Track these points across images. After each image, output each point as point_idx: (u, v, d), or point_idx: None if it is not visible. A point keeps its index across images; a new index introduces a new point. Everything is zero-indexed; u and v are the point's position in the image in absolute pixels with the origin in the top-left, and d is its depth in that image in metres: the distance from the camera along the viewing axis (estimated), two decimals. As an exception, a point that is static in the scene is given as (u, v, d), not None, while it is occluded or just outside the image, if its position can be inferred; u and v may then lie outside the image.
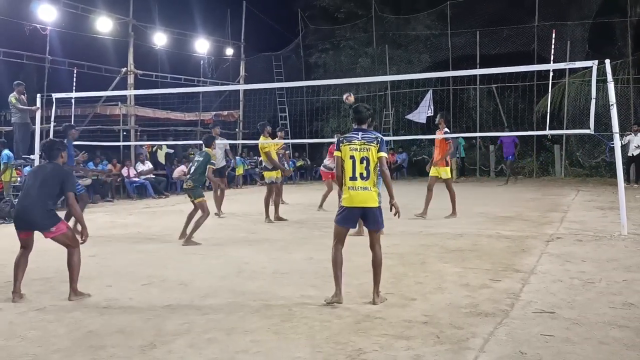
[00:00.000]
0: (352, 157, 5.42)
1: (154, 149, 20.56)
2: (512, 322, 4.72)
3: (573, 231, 9.50)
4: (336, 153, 5.58)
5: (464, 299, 5.43)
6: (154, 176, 18.69)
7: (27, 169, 13.81)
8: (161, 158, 20.80)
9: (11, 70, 18.27)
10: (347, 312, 5.08)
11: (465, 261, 7.24)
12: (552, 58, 12.29)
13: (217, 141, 12.09)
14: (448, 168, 11.80)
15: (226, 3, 27.10)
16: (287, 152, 12.45)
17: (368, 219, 5.48)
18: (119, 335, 4.59)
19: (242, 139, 24.57)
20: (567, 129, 20.22)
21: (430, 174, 11.77)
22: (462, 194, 13.70)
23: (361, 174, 5.39)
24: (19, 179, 13.51)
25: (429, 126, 23.33)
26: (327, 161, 12.81)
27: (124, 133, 19.89)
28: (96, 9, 19.53)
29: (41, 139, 13.40)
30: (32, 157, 13.33)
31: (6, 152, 13.63)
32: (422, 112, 23.90)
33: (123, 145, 19.24)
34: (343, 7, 27.83)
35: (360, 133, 5.51)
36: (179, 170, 19.78)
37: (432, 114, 23.68)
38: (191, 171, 9.56)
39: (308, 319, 4.88)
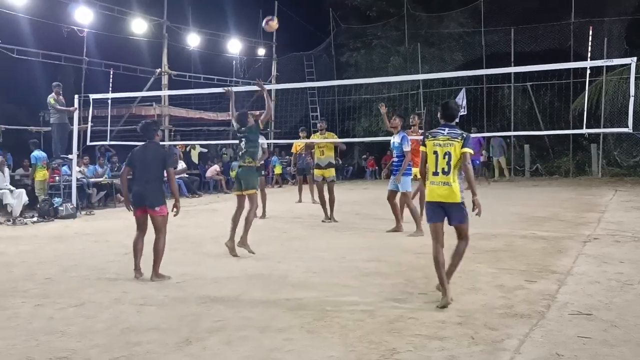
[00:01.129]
0: (435, 152, 5.43)
1: (188, 148, 20.77)
2: (548, 324, 4.66)
3: (610, 232, 9.33)
4: (422, 148, 5.66)
5: (499, 300, 5.38)
6: (187, 176, 18.89)
7: (65, 168, 14.09)
8: (194, 158, 21.01)
9: (49, 71, 18.64)
10: (381, 311, 5.07)
11: (499, 262, 7.17)
12: (589, 55, 12.08)
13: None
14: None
15: (258, 3, 27.22)
16: (313, 150, 12.30)
17: (450, 214, 5.45)
18: (155, 331, 4.65)
19: (274, 138, 24.66)
20: (604, 127, 19.85)
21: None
22: (496, 193, 13.58)
23: (443, 169, 5.36)
24: (57, 178, 13.77)
25: (462, 125, 23.12)
26: None
27: (158, 133, 20.12)
28: (131, 11, 19.81)
29: (79, 139, 13.66)
30: (70, 156, 13.57)
31: (35, 153, 13.90)
32: (456, 111, 23.66)
33: (157, 145, 19.47)
34: (375, 6, 27.73)
35: (446, 129, 5.49)
36: (212, 169, 19.99)
37: (465, 113, 23.49)
38: (243, 148, 8.37)
39: (341, 318, 4.89)
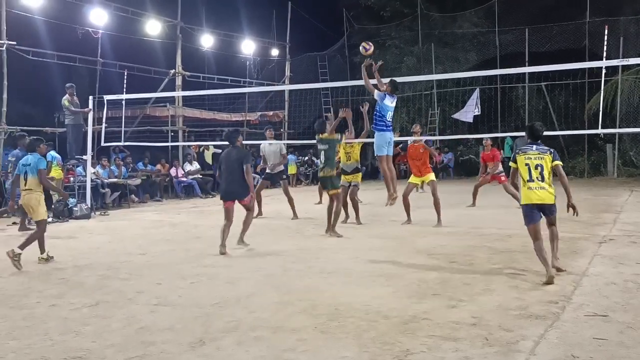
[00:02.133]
0: (527, 164, 6.51)
1: (201, 149, 20.85)
2: (563, 325, 4.62)
3: (627, 232, 9.24)
4: (512, 164, 6.77)
5: (514, 301, 5.34)
6: (201, 176, 18.97)
7: (80, 169, 14.18)
8: (208, 158, 21.08)
9: (64, 72, 18.77)
10: (394, 312, 5.05)
11: (514, 262, 7.13)
12: (604, 55, 11.98)
13: (271, 142, 12.36)
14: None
15: (272, 4, 27.28)
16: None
17: (545, 211, 6.55)
18: (169, 331, 4.66)
19: (287, 139, 24.69)
20: (620, 127, 19.68)
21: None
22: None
23: (537, 177, 6.45)
24: (71, 178, 13.86)
25: (476, 125, 23.05)
26: None
27: (172, 134, 20.21)
28: (145, 12, 19.91)
29: (93, 139, 13.76)
30: (84, 157, 13.66)
31: (52, 152, 14.00)
32: (469, 112, 23.59)
33: (171, 146, 19.57)
34: (388, 6, 27.68)
35: (534, 146, 6.63)
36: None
37: (479, 113, 23.38)
38: (323, 162, 9.88)
39: (355, 319, 4.87)
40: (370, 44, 9.53)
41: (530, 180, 6.46)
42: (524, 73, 22.94)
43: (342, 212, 10.64)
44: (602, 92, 12.87)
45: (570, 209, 6.65)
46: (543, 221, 6.64)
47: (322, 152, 9.87)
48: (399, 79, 10.09)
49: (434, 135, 23.37)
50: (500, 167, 13.20)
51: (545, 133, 19.53)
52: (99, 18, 17.94)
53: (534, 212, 6.48)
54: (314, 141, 11.75)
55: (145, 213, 13.74)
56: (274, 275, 6.66)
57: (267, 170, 12.89)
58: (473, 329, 4.56)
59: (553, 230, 6.76)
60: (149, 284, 6.33)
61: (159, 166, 18.67)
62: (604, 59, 12.08)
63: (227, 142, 8.76)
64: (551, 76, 21.24)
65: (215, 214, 13.05)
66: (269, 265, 7.25)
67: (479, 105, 23.30)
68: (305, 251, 8.23)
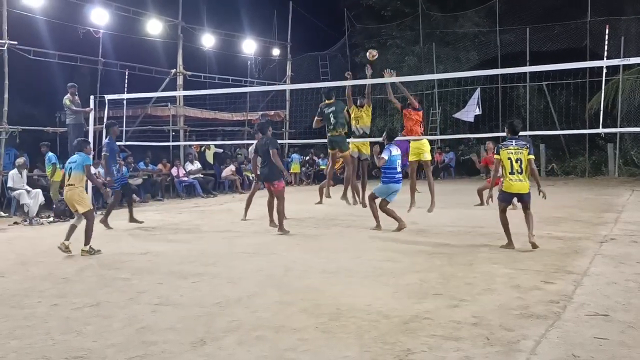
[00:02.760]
0: (509, 158, 7.88)
1: (203, 149, 20.86)
2: (564, 325, 4.62)
3: (628, 232, 9.25)
4: (496, 156, 8.14)
5: (515, 301, 5.34)
6: (202, 176, 18.98)
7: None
8: (209, 158, 21.10)
9: (66, 72, 18.79)
10: (396, 312, 5.05)
11: (515, 262, 7.13)
12: (605, 54, 11.98)
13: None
14: None
15: (273, 4, 27.29)
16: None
17: (522, 199, 8.07)
18: (170, 331, 4.67)
19: (289, 138, 24.70)
20: (621, 127, 19.69)
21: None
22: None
23: (517, 170, 7.86)
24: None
25: (477, 125, 23.05)
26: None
27: (173, 133, 20.22)
28: (146, 12, 19.91)
29: (94, 139, 13.76)
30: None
31: (51, 154, 14.01)
32: (470, 111, 23.61)
33: (172, 146, 19.58)
34: (389, 6, 27.70)
35: (514, 141, 8.03)
36: (228, 170, 20.04)
37: (480, 113, 23.38)
38: (332, 122, 11.02)
39: (356, 318, 4.88)
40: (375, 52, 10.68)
41: (512, 172, 7.88)
42: (525, 72, 22.95)
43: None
44: (603, 91, 12.89)
45: (541, 193, 8.00)
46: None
47: (331, 114, 11.03)
48: (400, 79, 10.49)
49: (435, 134, 23.37)
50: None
51: (547, 133, 19.59)
52: (100, 18, 17.94)
53: (510, 197, 8.12)
54: (315, 141, 11.81)
55: (147, 213, 13.74)
56: (275, 275, 6.66)
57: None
58: (474, 329, 4.56)
59: (528, 214, 8.05)
60: (150, 283, 6.33)
61: (160, 166, 18.67)
62: (605, 58, 12.09)
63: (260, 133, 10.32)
64: (552, 76, 21.27)
65: (217, 214, 13.07)
66: (270, 265, 7.26)
67: (480, 105, 23.30)
68: (307, 251, 8.24)
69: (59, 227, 11.58)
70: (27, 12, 15.94)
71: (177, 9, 20.71)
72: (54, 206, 12.96)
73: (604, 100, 12.91)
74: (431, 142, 20.31)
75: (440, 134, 23.86)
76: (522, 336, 4.36)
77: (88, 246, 8.12)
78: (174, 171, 18.44)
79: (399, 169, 9.87)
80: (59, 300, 5.69)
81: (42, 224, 11.96)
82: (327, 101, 11.15)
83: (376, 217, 10.11)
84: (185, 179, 18.39)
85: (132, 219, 11.32)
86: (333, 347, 4.24)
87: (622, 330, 4.46)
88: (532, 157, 7.92)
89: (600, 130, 13.47)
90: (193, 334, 4.57)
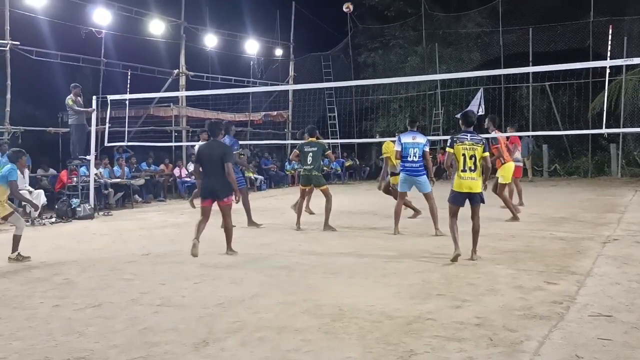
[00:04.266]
0: (463, 154, 7.22)
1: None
2: (567, 325, 4.61)
3: (631, 232, 9.22)
4: (449, 149, 7.41)
5: (518, 301, 5.33)
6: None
7: (83, 169, 14.20)
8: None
9: (68, 72, 18.80)
10: (398, 312, 5.04)
11: (518, 263, 7.11)
12: (608, 54, 11.95)
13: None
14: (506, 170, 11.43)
15: (275, 4, 27.27)
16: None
17: (473, 199, 7.29)
18: (173, 332, 4.66)
19: (291, 139, 24.69)
20: (624, 127, 19.65)
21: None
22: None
23: (470, 167, 7.21)
24: (74, 178, 13.88)
25: (480, 125, 23.00)
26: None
27: (176, 134, 20.22)
28: (149, 12, 19.92)
29: (96, 139, 13.76)
30: (88, 157, 13.68)
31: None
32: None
33: (175, 146, 19.58)
34: (392, 6, 27.67)
35: (469, 135, 7.33)
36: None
37: (483, 113, 23.34)
38: (309, 162, 10.43)
39: (358, 319, 4.87)
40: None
41: (464, 170, 7.24)
42: (528, 73, 22.93)
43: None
44: (606, 91, 12.83)
45: (485, 185, 7.49)
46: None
47: (310, 155, 10.43)
48: (404, 79, 10.38)
49: (438, 135, 23.35)
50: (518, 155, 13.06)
51: (550, 133, 19.51)
52: (102, 18, 17.94)
53: (461, 197, 7.32)
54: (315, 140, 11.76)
55: (149, 213, 13.74)
56: (278, 276, 6.65)
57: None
58: (477, 330, 4.55)
59: (475, 223, 7.33)
60: (152, 284, 6.32)
61: (162, 166, 18.67)
62: (608, 58, 12.05)
63: (208, 134, 8.43)
64: (555, 76, 21.23)
65: (219, 213, 13.05)
66: (273, 266, 7.25)
67: (483, 105, 23.26)
68: (309, 252, 8.22)
69: (60, 227, 11.60)
70: (30, 12, 15.95)
71: (179, 9, 20.71)
72: (56, 206, 12.94)
73: (607, 101, 12.88)
74: (434, 142, 20.33)
75: (443, 135, 23.81)
76: (526, 337, 4.35)
77: (16, 253, 7.78)
78: (176, 172, 18.43)
79: (411, 158, 9.47)
80: (60, 301, 5.69)
81: (44, 224, 11.95)
82: (309, 139, 10.64)
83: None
84: (188, 179, 18.37)
85: None
86: (335, 348, 4.23)
87: (626, 331, 4.45)
88: (487, 154, 7.32)
89: (603, 130, 13.43)
90: (195, 335, 4.56)
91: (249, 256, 7.96)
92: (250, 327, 4.73)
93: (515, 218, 10.81)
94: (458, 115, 23.36)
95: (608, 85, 12.25)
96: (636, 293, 5.56)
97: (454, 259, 7.04)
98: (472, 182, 7.21)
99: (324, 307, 5.26)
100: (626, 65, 18.60)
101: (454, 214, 7.38)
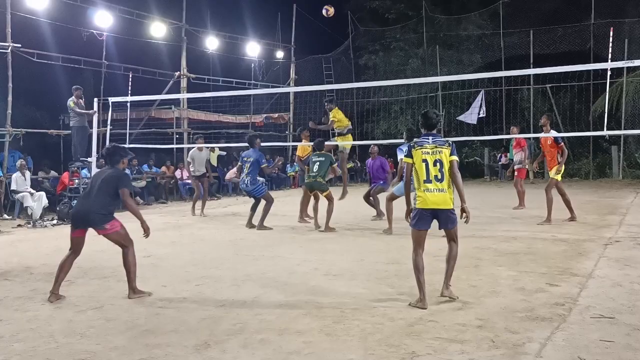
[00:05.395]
0: (424, 160, 5.45)
1: (207, 151, 20.85)
2: (569, 327, 4.60)
3: (632, 234, 9.21)
4: (406, 159, 5.65)
5: (520, 303, 5.32)
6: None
7: (85, 171, 14.21)
8: (213, 160, 21.05)
9: (70, 75, 18.84)
10: (400, 314, 5.04)
11: (520, 264, 7.10)
12: (609, 57, 11.95)
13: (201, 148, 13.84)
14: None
15: (276, 6, 27.32)
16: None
17: (441, 219, 5.50)
18: (174, 334, 4.66)
19: (292, 141, 24.68)
20: (625, 129, 19.64)
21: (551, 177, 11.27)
22: (515, 196, 13.50)
23: (435, 176, 5.42)
24: (76, 180, 13.89)
25: (481, 127, 23.02)
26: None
27: (177, 136, 20.24)
28: (150, 15, 19.95)
29: (98, 141, 13.78)
30: (89, 159, 13.69)
31: None
32: (474, 113, 23.60)
33: (176, 148, 19.59)
34: (393, 9, 27.72)
35: (430, 137, 5.59)
36: (232, 172, 20.02)
37: (484, 115, 23.36)
38: (314, 170, 10.74)
39: (360, 321, 4.86)
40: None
41: (428, 180, 5.43)
42: (529, 75, 22.97)
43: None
44: (607, 94, 12.84)
45: (463, 213, 5.50)
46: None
47: (317, 163, 10.77)
48: (403, 81, 10.40)
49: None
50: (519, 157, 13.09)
51: (550, 135, 19.50)
52: (103, 20, 17.96)
53: (427, 217, 5.49)
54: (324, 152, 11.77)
55: (150, 215, 13.70)
56: (279, 278, 6.65)
57: (194, 174, 13.93)
58: (479, 331, 4.54)
59: (452, 248, 5.65)
60: (153, 286, 6.31)
61: (164, 168, 18.69)
62: (609, 60, 12.05)
63: (104, 161, 6.65)
64: (556, 78, 21.23)
65: (221, 216, 13.05)
66: (274, 268, 7.25)
67: (484, 107, 23.28)
68: (311, 253, 8.22)
69: (62, 229, 11.59)
70: (31, 15, 15.97)
71: (180, 12, 20.74)
72: (57, 208, 12.95)
73: (608, 103, 12.88)
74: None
75: (444, 137, 23.82)
76: (528, 339, 4.34)
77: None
78: (177, 174, 18.44)
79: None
80: (62, 303, 5.69)
81: (45, 226, 11.96)
82: (318, 152, 11.08)
83: (390, 220, 10.12)
84: (189, 181, 18.37)
85: None
86: (337, 349, 4.22)
87: (628, 333, 4.44)
88: (455, 158, 5.52)
89: (605, 132, 13.43)
90: (197, 337, 4.55)
91: (250, 258, 7.96)
92: (252, 329, 4.73)
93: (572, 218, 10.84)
94: (461, 117, 23.54)
95: (609, 87, 12.24)
96: (638, 295, 5.55)
97: (415, 307, 5.27)
98: (440, 195, 5.41)
99: (325, 309, 5.25)
100: (627, 68, 18.60)
101: (418, 244, 5.52)
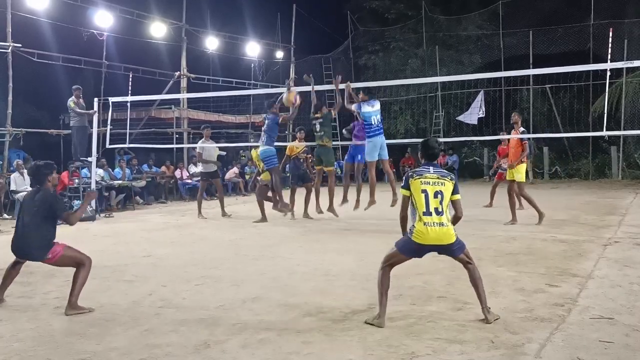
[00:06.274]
0: (424, 190, 4.90)
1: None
2: (569, 328, 4.61)
3: (632, 235, 9.22)
4: (403, 192, 5.05)
5: (519, 304, 5.33)
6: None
7: (85, 171, 14.22)
8: (213, 160, 21.09)
9: (70, 75, 18.84)
10: (399, 314, 5.05)
11: (519, 265, 7.11)
12: (609, 57, 11.95)
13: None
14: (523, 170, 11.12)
15: (276, 6, 27.32)
16: (309, 155, 13.02)
17: (446, 253, 5.05)
18: (174, 334, 4.66)
19: (291, 141, 24.64)
20: (624, 129, 19.65)
21: (507, 178, 11.33)
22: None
23: (436, 209, 4.85)
24: (76, 180, 13.89)
25: (481, 127, 23.03)
26: None
27: (177, 136, 20.24)
28: (150, 15, 19.96)
29: (98, 141, 13.78)
30: (89, 159, 13.70)
31: None
32: (474, 113, 23.60)
33: (176, 148, 19.59)
34: (393, 9, 27.71)
35: (431, 167, 5.05)
36: (231, 172, 20.04)
37: (484, 115, 23.36)
38: (317, 130, 11.45)
39: (360, 321, 4.87)
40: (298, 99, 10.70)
41: (427, 213, 4.84)
42: (529, 75, 22.95)
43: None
44: (606, 94, 12.85)
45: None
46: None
47: (318, 124, 11.48)
48: (402, 81, 10.47)
49: (439, 137, 23.35)
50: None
51: (550, 135, 19.41)
52: (104, 20, 17.98)
53: (420, 251, 5.04)
54: (317, 143, 11.84)
55: (150, 215, 13.75)
56: (279, 278, 6.65)
57: (205, 170, 13.58)
58: (479, 332, 4.55)
59: (472, 272, 5.07)
60: (153, 286, 6.32)
61: (163, 168, 18.70)
62: (609, 61, 12.05)
63: (33, 181, 6.08)
64: (555, 78, 21.22)
65: (220, 216, 13.04)
66: (274, 268, 7.25)
67: (484, 107, 23.28)
68: (311, 253, 8.23)
69: (61, 229, 11.57)
70: (31, 14, 15.98)
71: (180, 12, 20.75)
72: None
73: (607, 103, 12.88)
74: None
75: (444, 137, 23.83)
76: (527, 339, 4.35)
77: None
78: (177, 173, 18.45)
79: (375, 124, 10.49)
80: (62, 302, 5.67)
81: (45, 226, 11.94)
82: (315, 114, 11.79)
83: (372, 192, 10.74)
84: (189, 181, 18.40)
85: None
86: (337, 350, 4.23)
87: (627, 334, 4.45)
88: (458, 197, 5.03)
89: (604, 133, 13.41)
90: (196, 337, 4.56)
91: (250, 258, 7.96)
92: (251, 329, 4.73)
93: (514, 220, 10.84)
94: (460, 118, 23.55)
95: (608, 87, 12.25)
96: (637, 295, 5.56)
97: (371, 324, 4.81)
98: (442, 229, 4.83)
99: (325, 309, 5.26)
100: (626, 68, 18.54)
101: (393, 264, 5.12)
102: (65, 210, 5.77)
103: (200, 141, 13.80)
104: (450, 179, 5.00)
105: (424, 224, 4.84)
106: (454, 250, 4.98)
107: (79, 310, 5.35)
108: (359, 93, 10.78)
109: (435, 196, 4.88)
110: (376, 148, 10.37)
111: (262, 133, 11.57)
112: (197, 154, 13.84)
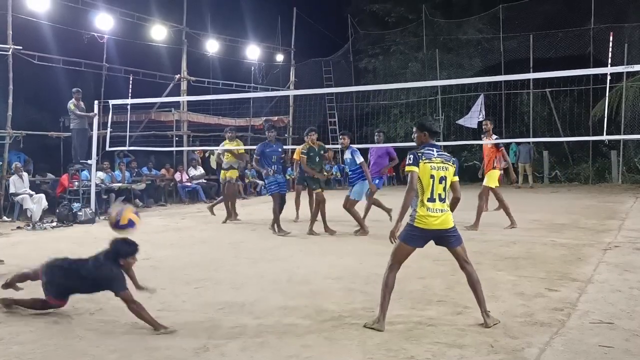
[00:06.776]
0: (432, 176, 4.85)
1: (206, 154, 20.86)
2: (569, 332, 4.61)
3: (632, 239, 9.22)
4: (411, 168, 4.90)
5: (519, 308, 5.33)
6: (205, 181, 18.98)
7: (85, 173, 14.21)
8: (213, 163, 21.05)
9: (70, 77, 18.79)
10: (399, 318, 5.04)
11: (519, 269, 7.11)
12: (609, 61, 11.96)
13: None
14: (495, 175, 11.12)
15: (276, 10, 27.30)
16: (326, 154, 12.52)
17: (447, 239, 4.95)
18: (173, 337, 4.66)
19: (292, 144, 24.65)
20: (624, 134, 19.65)
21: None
22: (515, 200, 13.48)
23: (439, 195, 4.87)
24: (75, 183, 13.89)
25: (480, 131, 23.05)
26: None
27: (177, 138, 20.23)
28: (151, 18, 19.95)
29: (98, 144, 13.78)
30: (89, 162, 13.70)
31: None
32: (474, 117, 23.59)
33: (176, 151, 19.58)
34: (393, 12, 27.71)
35: (435, 150, 5.02)
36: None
37: (484, 119, 23.35)
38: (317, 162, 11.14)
39: (359, 325, 4.86)
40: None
41: (431, 199, 4.84)
42: (529, 79, 22.92)
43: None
44: (606, 98, 12.86)
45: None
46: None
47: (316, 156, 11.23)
48: (403, 85, 10.44)
49: (439, 140, 23.34)
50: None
51: (550, 139, 19.45)
52: (104, 23, 17.96)
53: (424, 236, 4.94)
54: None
55: (150, 218, 13.72)
56: (279, 281, 6.65)
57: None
58: (478, 336, 4.55)
59: (469, 273, 5.03)
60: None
61: (163, 171, 18.69)
62: (609, 65, 12.06)
63: None
64: (556, 82, 21.20)
65: (220, 218, 13.04)
66: (273, 271, 7.25)
67: (484, 111, 23.27)
68: (310, 256, 8.23)
69: (62, 231, 11.60)
70: (32, 17, 15.98)
71: (181, 15, 20.74)
72: (57, 210, 12.95)
73: (607, 108, 12.88)
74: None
75: (444, 141, 23.82)
76: (527, 344, 4.35)
77: None
78: (177, 176, 18.45)
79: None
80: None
81: (45, 228, 11.95)
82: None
83: (361, 221, 10.56)
84: (189, 184, 18.40)
85: None
86: (336, 353, 4.23)
87: (627, 338, 4.45)
88: (457, 179, 5.11)
89: (604, 137, 13.44)
90: (196, 340, 4.56)
91: (250, 261, 7.96)
92: (251, 332, 4.73)
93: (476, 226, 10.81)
94: (460, 121, 23.55)
95: (609, 92, 12.27)
96: (637, 300, 5.56)
97: (371, 328, 4.79)
98: (444, 215, 4.87)
99: (324, 313, 5.26)
100: (627, 72, 18.56)
101: (399, 261, 5.03)
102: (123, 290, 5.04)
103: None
104: (452, 163, 5.04)
105: (427, 209, 4.85)
106: (452, 238, 4.94)
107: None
108: (344, 136, 11.31)
109: (440, 182, 4.90)
110: (364, 190, 10.71)
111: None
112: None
